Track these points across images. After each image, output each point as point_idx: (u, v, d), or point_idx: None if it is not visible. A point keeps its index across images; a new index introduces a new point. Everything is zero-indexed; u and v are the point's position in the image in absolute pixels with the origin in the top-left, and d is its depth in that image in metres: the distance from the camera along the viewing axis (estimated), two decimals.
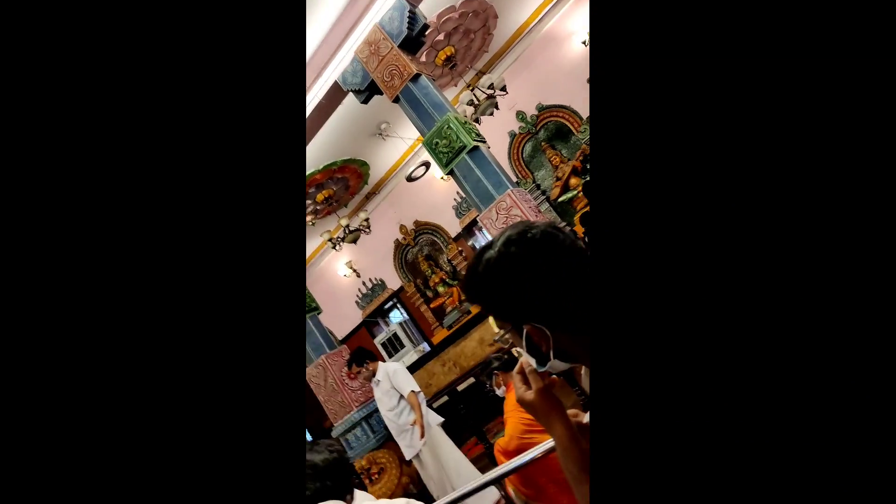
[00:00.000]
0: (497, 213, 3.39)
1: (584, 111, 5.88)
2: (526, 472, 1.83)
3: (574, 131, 5.93)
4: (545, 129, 6.12)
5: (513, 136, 6.24)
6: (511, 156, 6.27)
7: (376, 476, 3.87)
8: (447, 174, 3.64)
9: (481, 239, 7.36)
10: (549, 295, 0.66)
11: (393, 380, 3.29)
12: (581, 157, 5.86)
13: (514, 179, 5.89)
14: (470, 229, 7.08)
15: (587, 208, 5.59)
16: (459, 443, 3.47)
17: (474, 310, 6.58)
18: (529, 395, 0.75)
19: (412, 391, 3.24)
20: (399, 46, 3.69)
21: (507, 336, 0.73)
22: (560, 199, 5.95)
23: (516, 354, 2.61)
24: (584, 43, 5.80)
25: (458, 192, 6.92)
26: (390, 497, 3.71)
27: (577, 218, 5.80)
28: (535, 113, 6.11)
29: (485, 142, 3.68)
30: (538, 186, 6.16)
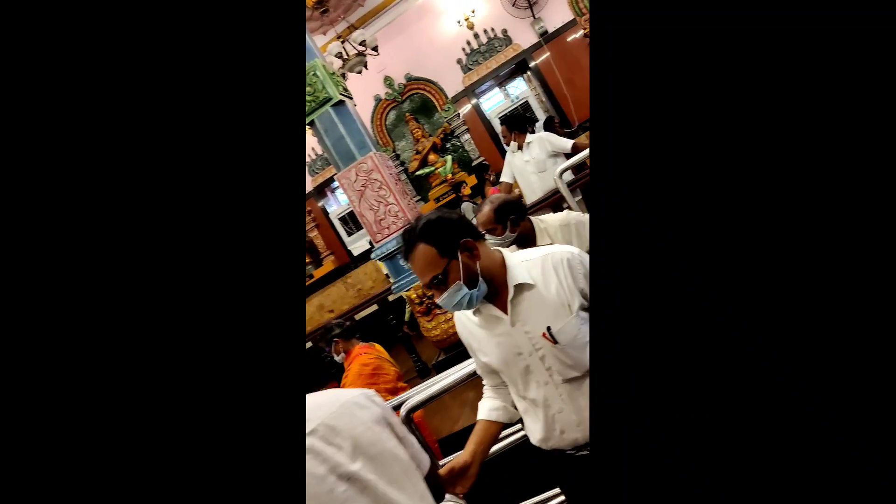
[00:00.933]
0: (357, 175, 3.27)
1: (451, 90, 5.99)
2: None
3: (438, 108, 6.01)
4: (411, 101, 6.09)
5: (378, 100, 6.09)
6: (374, 120, 6.12)
7: None
8: (307, 125, 3.39)
9: (333, 200, 7.10)
10: None
11: None
12: (442, 135, 5.98)
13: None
14: (322, 189, 6.77)
15: (444, 186, 5.75)
16: None
17: (316, 274, 6.35)
18: None
19: None
20: None
21: None
22: (417, 173, 6.02)
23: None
24: (458, 23, 5.88)
25: (313, 148, 6.54)
26: None
27: (431, 193, 5.94)
28: (403, 82, 6.03)
29: (351, 98, 3.51)
30: (398, 156, 6.14)
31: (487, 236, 1.79)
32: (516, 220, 1.74)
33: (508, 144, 3.46)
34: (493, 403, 1.16)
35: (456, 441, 2.27)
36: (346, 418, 0.68)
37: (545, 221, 1.81)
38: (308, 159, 6.58)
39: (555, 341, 0.99)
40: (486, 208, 1.75)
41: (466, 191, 5.46)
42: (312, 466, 0.62)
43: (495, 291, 1.02)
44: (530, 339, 1.01)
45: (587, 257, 1.03)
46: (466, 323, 1.10)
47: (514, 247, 1.82)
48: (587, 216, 1.82)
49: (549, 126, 4.91)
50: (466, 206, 5.15)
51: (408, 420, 1.38)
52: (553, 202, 3.11)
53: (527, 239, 1.79)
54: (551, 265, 1.02)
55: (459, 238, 1.00)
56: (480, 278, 1.00)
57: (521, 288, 1.01)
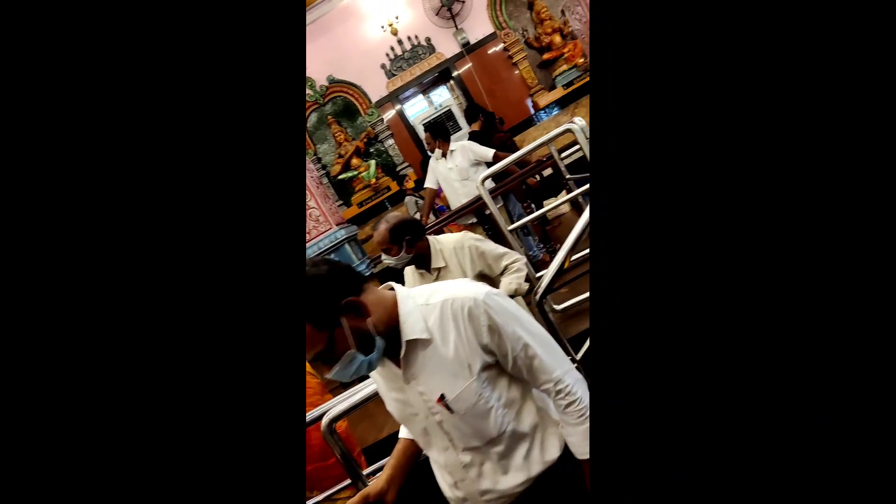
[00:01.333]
0: None
1: (374, 94, 5.95)
2: None
3: (362, 112, 5.95)
4: (333, 103, 5.97)
5: None
6: None
7: None
8: None
9: None
10: None
11: None
12: (365, 139, 5.92)
13: None
14: None
15: (367, 191, 5.68)
16: None
17: None
18: None
19: None
20: None
21: None
22: (340, 177, 5.90)
23: None
24: (382, 28, 5.86)
25: None
26: None
27: (354, 198, 5.84)
28: (326, 84, 5.90)
29: None
30: (319, 160, 5.98)
31: (384, 256, 1.80)
32: (412, 241, 1.74)
33: (433, 151, 3.50)
34: None
35: (382, 448, 2.24)
36: None
37: (441, 242, 1.84)
38: None
39: (451, 410, 0.85)
40: (382, 227, 1.75)
41: (409, 184, 5.39)
42: None
43: (390, 343, 0.85)
44: (426, 401, 0.86)
45: (495, 301, 0.86)
46: None
47: (412, 266, 1.84)
48: (485, 241, 1.86)
49: (490, 123, 5.00)
50: (409, 200, 5.09)
51: (330, 430, 1.34)
52: (476, 208, 3.19)
53: (423, 259, 1.80)
54: (450, 314, 0.84)
55: (338, 300, 0.79)
56: (376, 337, 0.83)
57: (414, 344, 0.85)
